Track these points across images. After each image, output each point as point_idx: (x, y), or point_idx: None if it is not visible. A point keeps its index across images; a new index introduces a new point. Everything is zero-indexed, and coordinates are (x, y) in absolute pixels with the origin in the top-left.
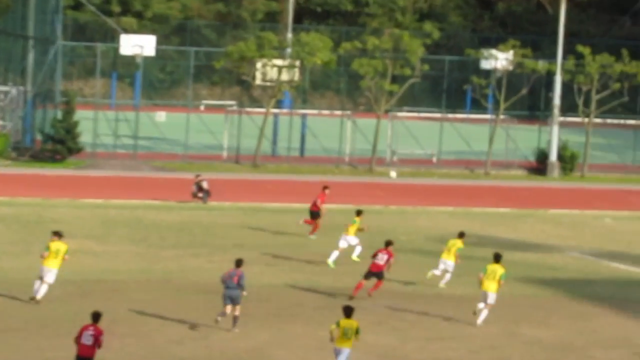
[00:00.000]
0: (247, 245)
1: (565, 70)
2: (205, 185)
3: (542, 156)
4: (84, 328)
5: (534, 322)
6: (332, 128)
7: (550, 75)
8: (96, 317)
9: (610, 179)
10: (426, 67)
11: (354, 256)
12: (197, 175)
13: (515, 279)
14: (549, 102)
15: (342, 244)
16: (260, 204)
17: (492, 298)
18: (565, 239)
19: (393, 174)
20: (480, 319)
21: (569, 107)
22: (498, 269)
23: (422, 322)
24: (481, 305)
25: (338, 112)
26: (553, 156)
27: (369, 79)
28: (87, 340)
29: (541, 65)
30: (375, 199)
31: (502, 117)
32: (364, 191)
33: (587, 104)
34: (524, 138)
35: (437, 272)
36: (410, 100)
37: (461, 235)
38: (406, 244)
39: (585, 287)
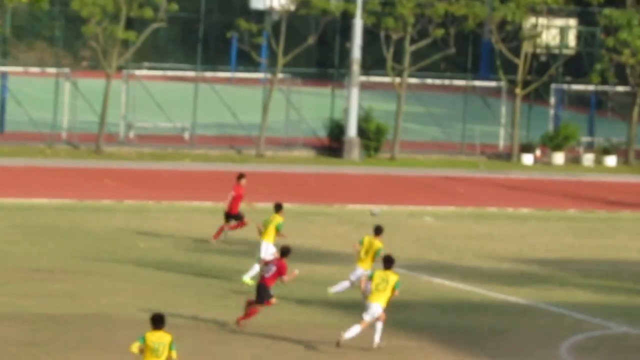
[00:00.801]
0: None
1: (368, 12)
2: None
3: (337, 131)
4: None
5: None
6: (44, 92)
7: (347, 18)
8: None
9: (431, 162)
10: (174, 7)
11: (247, 278)
12: None
13: (298, 302)
14: (346, 55)
15: (264, 253)
16: None
17: (378, 310)
18: None
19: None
20: (377, 337)
21: (373, 63)
22: (390, 277)
23: None
24: (360, 327)
25: (52, 70)
26: (352, 131)
27: (95, 24)
28: None
29: (335, 4)
30: (104, 191)
31: (280, 76)
32: (89, 180)
33: (398, 58)
34: (311, 106)
35: (339, 287)
36: (153, 53)
37: (378, 231)
38: (147, 253)
39: (398, 311)
